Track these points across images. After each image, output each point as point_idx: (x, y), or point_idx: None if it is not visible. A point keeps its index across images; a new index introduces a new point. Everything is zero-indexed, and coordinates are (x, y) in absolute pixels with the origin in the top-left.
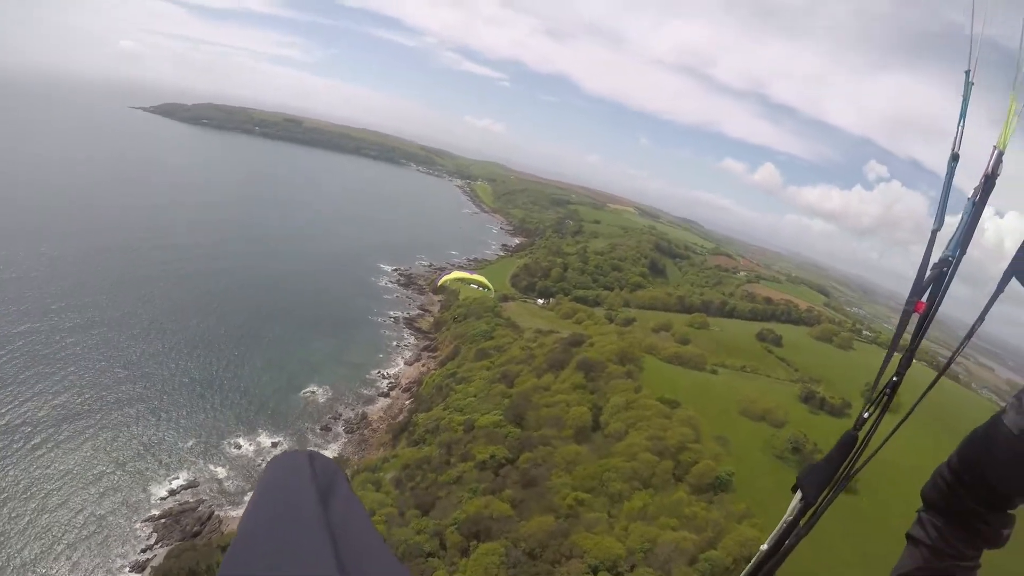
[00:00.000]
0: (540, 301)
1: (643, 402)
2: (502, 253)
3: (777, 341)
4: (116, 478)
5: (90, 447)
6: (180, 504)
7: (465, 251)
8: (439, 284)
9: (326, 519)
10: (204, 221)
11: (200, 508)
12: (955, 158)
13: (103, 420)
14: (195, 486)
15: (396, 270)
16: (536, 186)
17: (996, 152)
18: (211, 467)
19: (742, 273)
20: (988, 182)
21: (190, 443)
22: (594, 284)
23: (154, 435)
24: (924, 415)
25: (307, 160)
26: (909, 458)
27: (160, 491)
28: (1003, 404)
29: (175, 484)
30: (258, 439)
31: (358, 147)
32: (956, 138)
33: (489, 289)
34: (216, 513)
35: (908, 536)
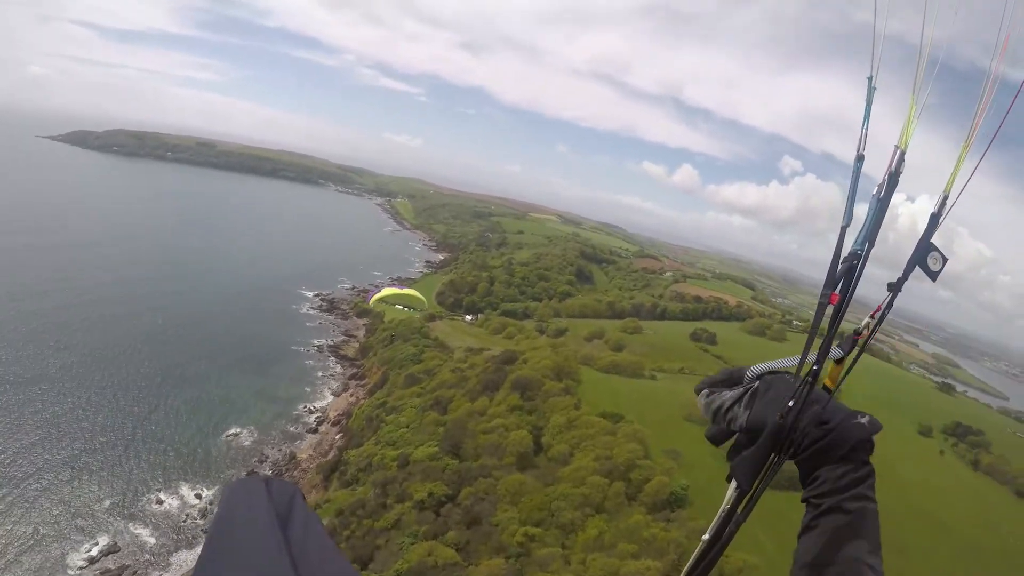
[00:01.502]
0: (468, 318)
1: (585, 419)
2: (426, 270)
3: (712, 339)
4: (27, 550)
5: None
6: (102, 573)
7: (388, 270)
8: (371, 302)
9: (286, 544)
10: (114, 258)
11: (124, 575)
12: (860, 159)
13: (11, 493)
14: (116, 551)
15: (318, 295)
16: (457, 200)
17: (898, 152)
18: (132, 528)
19: (668, 274)
20: (892, 179)
21: (107, 503)
22: (522, 296)
23: (69, 499)
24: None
25: (222, 185)
26: None
27: (78, 560)
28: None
29: (95, 551)
30: (180, 492)
31: (275, 169)
32: (860, 140)
33: (423, 302)
34: None
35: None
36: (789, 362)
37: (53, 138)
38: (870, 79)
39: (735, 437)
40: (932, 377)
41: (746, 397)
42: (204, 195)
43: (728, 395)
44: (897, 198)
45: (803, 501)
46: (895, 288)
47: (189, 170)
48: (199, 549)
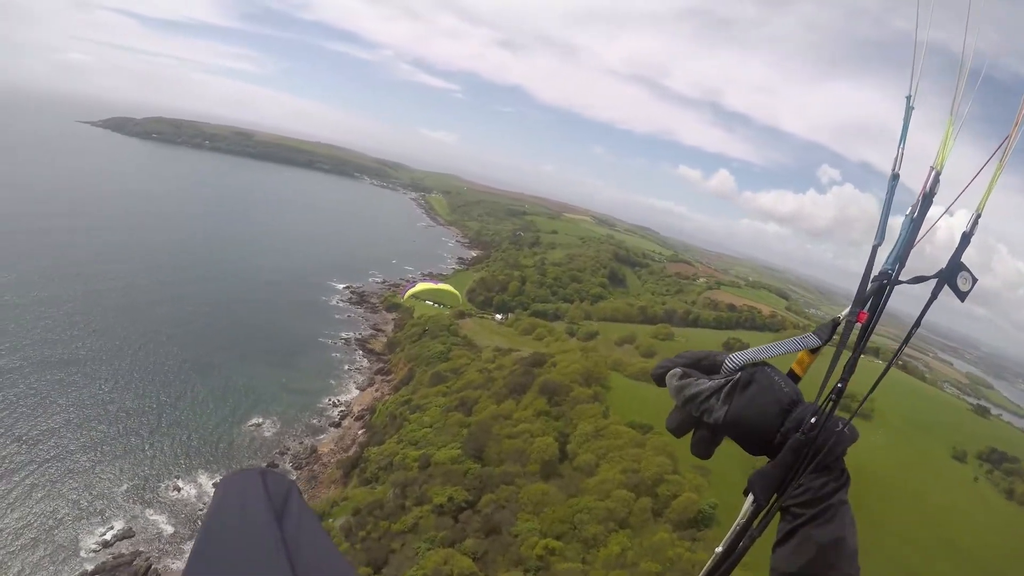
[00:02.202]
0: (498, 317)
1: (613, 428)
2: (458, 267)
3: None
4: (42, 531)
5: (17, 496)
6: (115, 557)
7: (420, 265)
8: (405, 297)
9: (282, 537)
10: (146, 243)
11: (136, 561)
12: (895, 178)
13: (34, 474)
14: (131, 536)
15: (348, 288)
16: (492, 197)
17: (933, 172)
18: (148, 514)
19: (702, 280)
20: (925, 200)
21: (124, 487)
22: (553, 297)
23: (87, 481)
24: (898, 423)
25: (258, 174)
26: (899, 472)
27: (91, 543)
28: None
29: (109, 535)
30: (198, 480)
31: (311, 160)
32: (896, 159)
33: (457, 297)
34: (154, 566)
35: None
36: (769, 351)
37: (93, 123)
38: (908, 98)
39: (698, 431)
40: (966, 398)
41: (726, 389)
42: (239, 184)
43: (707, 384)
44: (935, 211)
45: (780, 510)
46: (883, 292)
47: (225, 159)
48: None
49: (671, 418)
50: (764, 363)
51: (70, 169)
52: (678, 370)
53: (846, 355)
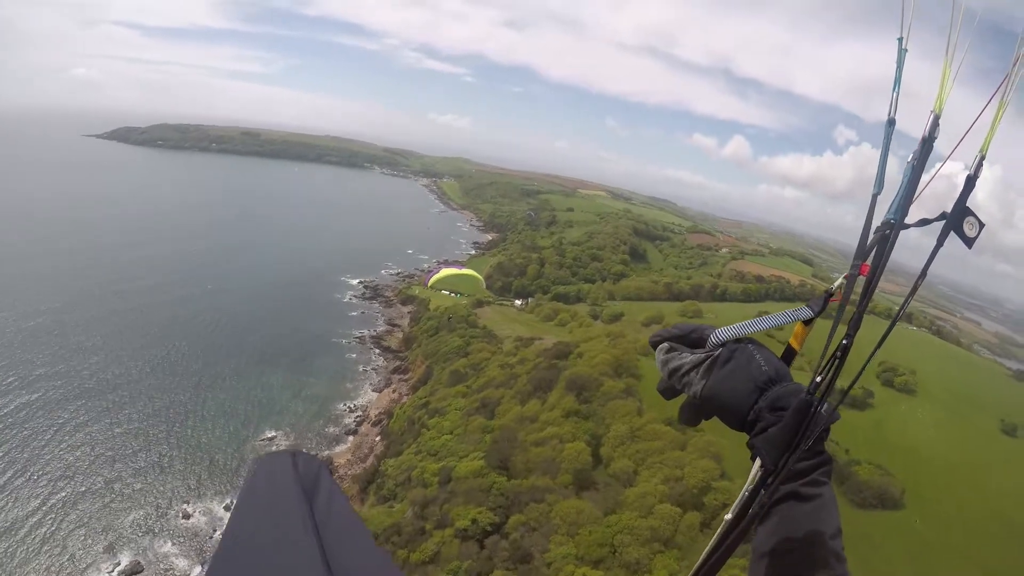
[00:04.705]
0: (518, 303)
1: (650, 428)
2: (473, 252)
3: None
4: (44, 569)
5: (23, 531)
6: None
7: (435, 253)
8: (429, 284)
9: (312, 518)
10: (149, 252)
11: None
12: (891, 123)
13: (40, 509)
14: (139, 572)
15: (361, 282)
16: (504, 178)
17: (932, 116)
18: (157, 544)
19: (724, 250)
20: (925, 145)
21: (132, 517)
22: (574, 278)
23: (93, 511)
24: (943, 394)
25: (266, 172)
26: (952, 453)
27: None
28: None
29: (116, 571)
30: (209, 504)
31: (320, 155)
32: (891, 104)
33: (481, 282)
34: None
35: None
36: (755, 326)
37: (98, 136)
38: (900, 40)
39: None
40: (1002, 361)
41: (705, 364)
42: (245, 184)
43: (688, 358)
44: (941, 160)
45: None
46: (886, 242)
47: (233, 159)
48: None
49: (660, 383)
50: (749, 339)
51: (75, 181)
52: (665, 344)
53: (852, 310)
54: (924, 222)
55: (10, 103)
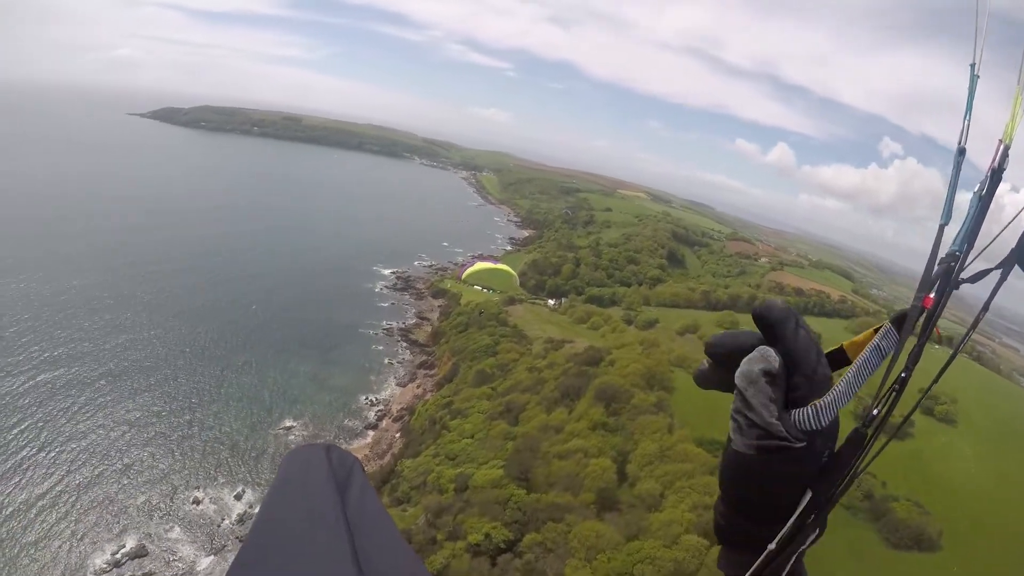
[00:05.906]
0: (551, 302)
1: (680, 449)
2: (509, 248)
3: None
4: (51, 549)
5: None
6: None
7: (471, 247)
8: (463, 277)
9: (343, 511)
10: (188, 235)
11: None
12: (961, 152)
13: (61, 482)
14: (143, 555)
15: (394, 273)
16: (543, 175)
17: (1002, 146)
18: (163, 529)
19: (764, 260)
20: (994, 176)
21: (141, 499)
22: (609, 280)
23: (103, 491)
24: (986, 424)
25: (306, 158)
26: (996, 490)
27: (100, 563)
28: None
29: (120, 553)
30: (220, 492)
31: (360, 143)
32: (962, 132)
33: (515, 278)
34: None
35: None
36: (860, 380)
37: (142, 115)
38: (972, 66)
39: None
40: None
41: (775, 441)
42: (285, 169)
43: (774, 420)
44: (1003, 188)
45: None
46: (995, 287)
47: (274, 144)
48: (229, 556)
49: (700, 374)
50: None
51: (123, 158)
52: (767, 369)
53: (912, 343)
54: (982, 274)
55: (52, 80)
